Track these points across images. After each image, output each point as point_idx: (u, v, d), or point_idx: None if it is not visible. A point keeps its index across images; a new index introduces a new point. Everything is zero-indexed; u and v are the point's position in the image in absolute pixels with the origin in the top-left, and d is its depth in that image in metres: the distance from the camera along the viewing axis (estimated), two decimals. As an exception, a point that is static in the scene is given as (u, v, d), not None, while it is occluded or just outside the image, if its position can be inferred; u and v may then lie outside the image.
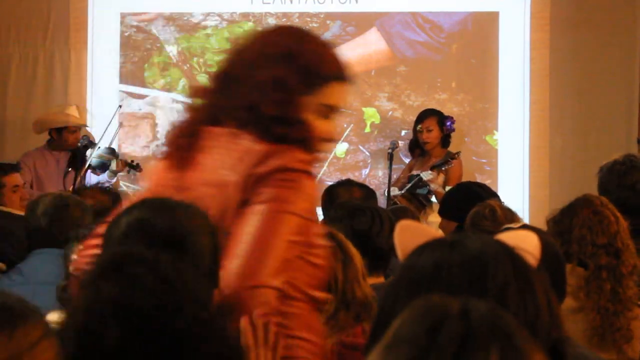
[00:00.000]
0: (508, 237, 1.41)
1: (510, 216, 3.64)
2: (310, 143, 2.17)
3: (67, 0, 7.42)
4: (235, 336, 1.61)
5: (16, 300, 1.31)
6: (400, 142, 6.90)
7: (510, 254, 1.31)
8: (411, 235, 1.46)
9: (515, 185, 7.12)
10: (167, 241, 1.71)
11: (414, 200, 6.37)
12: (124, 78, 7.58)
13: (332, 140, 2.24)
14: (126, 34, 7.58)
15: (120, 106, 7.09)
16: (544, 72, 7.16)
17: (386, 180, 6.58)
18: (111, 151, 6.68)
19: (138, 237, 1.73)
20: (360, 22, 7.34)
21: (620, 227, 3.09)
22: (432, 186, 6.25)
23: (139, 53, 7.58)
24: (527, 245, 1.43)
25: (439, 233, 1.50)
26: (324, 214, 4.37)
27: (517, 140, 7.15)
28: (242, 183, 2.05)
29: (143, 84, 7.58)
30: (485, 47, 7.27)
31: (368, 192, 4.37)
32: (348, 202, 3.79)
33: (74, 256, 2.52)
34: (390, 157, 6.53)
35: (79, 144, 6.51)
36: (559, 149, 7.11)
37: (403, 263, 1.36)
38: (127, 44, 7.58)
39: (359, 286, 2.56)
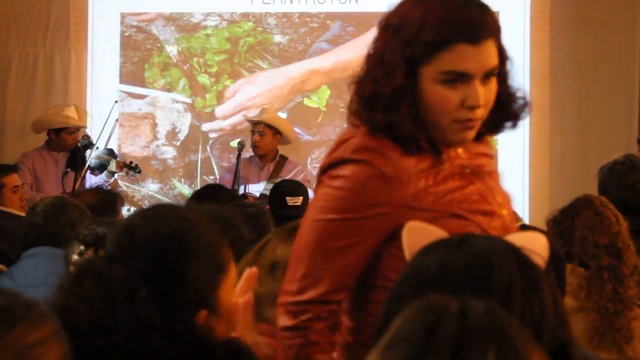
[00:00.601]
0: (517, 238, 1.41)
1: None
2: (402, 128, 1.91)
3: (67, 0, 7.42)
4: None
5: (21, 301, 1.31)
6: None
7: (517, 254, 1.31)
8: (419, 236, 1.45)
9: (515, 185, 7.12)
10: (152, 256, 1.64)
11: None
12: (124, 78, 7.58)
13: (473, 106, 1.92)
14: (126, 34, 7.58)
15: (116, 101, 7.07)
16: (544, 72, 7.16)
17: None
18: (109, 152, 6.68)
19: (122, 250, 1.67)
20: (360, 22, 7.34)
21: (621, 227, 3.09)
22: None
23: (139, 53, 7.58)
24: (536, 246, 1.43)
25: (445, 234, 1.49)
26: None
27: (517, 140, 7.15)
28: None
29: (143, 84, 7.58)
30: (485, 47, 7.27)
31: None
32: None
33: (75, 256, 2.52)
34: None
35: (79, 144, 6.51)
36: (559, 149, 7.11)
37: (409, 263, 1.35)
38: (127, 44, 7.58)
39: None
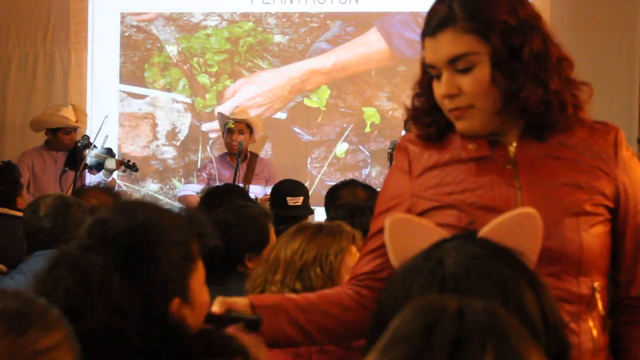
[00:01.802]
0: (506, 225, 1.40)
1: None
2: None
3: (67, 0, 7.43)
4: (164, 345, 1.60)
5: (36, 306, 1.31)
6: (400, 142, 6.90)
7: (494, 270, 1.29)
8: (404, 234, 1.43)
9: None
10: (124, 245, 1.67)
11: None
12: (124, 78, 7.59)
13: (444, 96, 1.95)
14: (126, 34, 7.58)
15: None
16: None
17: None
18: (108, 151, 6.69)
19: (94, 240, 1.71)
20: (360, 22, 7.34)
21: None
22: None
23: (139, 53, 7.59)
24: (527, 228, 1.41)
25: (433, 227, 1.45)
26: (327, 214, 4.38)
27: (517, 140, 7.15)
28: None
29: (143, 84, 7.58)
30: (485, 47, 7.27)
31: (372, 193, 4.34)
32: (349, 203, 3.79)
33: None
34: (391, 157, 6.53)
35: (79, 145, 6.51)
36: (559, 149, 7.10)
37: (401, 264, 1.34)
38: (127, 44, 7.58)
39: None
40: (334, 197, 4.35)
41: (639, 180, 2.04)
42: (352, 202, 3.94)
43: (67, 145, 6.71)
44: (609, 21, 7.17)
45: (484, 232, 1.41)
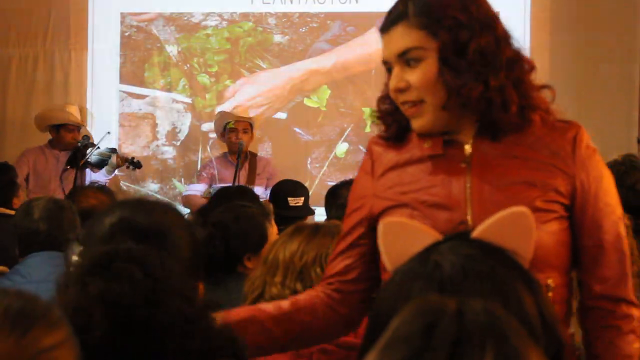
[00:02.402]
0: (499, 224, 1.40)
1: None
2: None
3: (67, 0, 7.43)
4: (221, 332, 1.62)
5: (38, 304, 1.31)
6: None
7: (491, 270, 1.29)
8: (397, 237, 1.43)
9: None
10: (148, 237, 1.74)
11: None
12: (124, 78, 7.59)
13: (393, 90, 1.99)
14: (126, 34, 7.58)
15: (109, 132, 7.04)
16: (544, 72, 7.16)
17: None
18: (111, 150, 6.70)
19: (122, 235, 1.76)
20: (360, 22, 7.34)
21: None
22: None
23: (139, 53, 7.59)
24: (519, 227, 1.41)
25: (426, 229, 1.45)
26: (327, 214, 4.38)
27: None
28: None
29: (143, 84, 7.58)
30: (485, 47, 7.27)
31: None
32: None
33: (75, 257, 2.51)
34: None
35: (79, 144, 6.52)
36: (559, 149, 7.10)
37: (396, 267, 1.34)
38: (127, 44, 7.58)
39: None
40: (334, 197, 4.36)
41: (600, 177, 2.06)
42: None
43: (70, 143, 6.71)
44: (609, 21, 7.16)
45: (477, 232, 1.41)
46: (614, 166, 3.89)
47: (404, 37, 1.95)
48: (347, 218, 2.13)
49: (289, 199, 4.95)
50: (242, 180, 6.48)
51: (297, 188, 5.09)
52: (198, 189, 6.50)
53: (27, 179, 6.64)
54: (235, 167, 6.54)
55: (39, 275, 3.39)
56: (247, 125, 6.64)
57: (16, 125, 7.31)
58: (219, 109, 7.36)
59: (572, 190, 2.00)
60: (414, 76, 1.95)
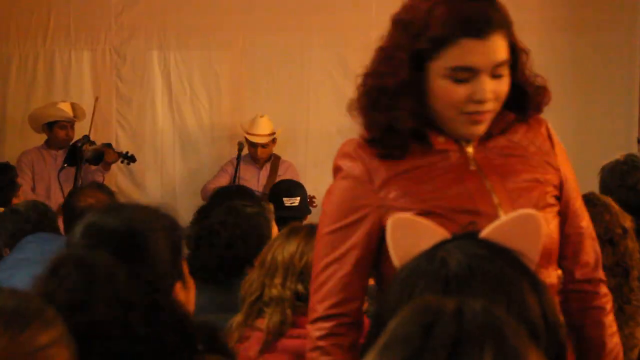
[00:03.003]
0: (508, 226, 1.40)
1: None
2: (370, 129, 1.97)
3: (68, 0, 7.42)
4: (178, 340, 1.61)
5: (33, 303, 1.32)
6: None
7: (499, 268, 1.29)
8: (406, 233, 1.43)
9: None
10: (119, 241, 1.75)
11: None
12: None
13: (481, 100, 1.92)
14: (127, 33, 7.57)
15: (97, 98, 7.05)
16: (544, 71, 7.14)
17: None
18: (106, 144, 6.69)
19: (91, 241, 1.78)
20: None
21: (628, 242, 2.96)
22: None
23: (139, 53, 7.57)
24: (528, 229, 1.42)
25: (435, 226, 1.46)
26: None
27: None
28: None
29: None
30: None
31: None
32: None
33: None
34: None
35: (78, 144, 6.51)
36: (559, 149, 7.10)
37: (399, 267, 1.34)
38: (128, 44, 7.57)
39: None
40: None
41: (570, 167, 2.12)
42: None
43: (63, 140, 6.72)
44: (609, 21, 7.16)
45: (485, 233, 1.41)
46: (615, 166, 3.88)
47: (502, 47, 1.93)
48: (343, 230, 1.97)
49: (285, 199, 4.95)
50: (263, 181, 6.52)
51: (291, 188, 5.09)
52: (218, 184, 6.50)
53: (32, 186, 6.65)
54: (236, 168, 6.56)
55: (36, 255, 3.42)
56: (266, 140, 6.71)
57: (16, 125, 7.30)
58: (219, 109, 7.38)
59: (559, 183, 2.06)
60: (501, 88, 1.94)
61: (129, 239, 1.76)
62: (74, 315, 1.43)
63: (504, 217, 1.45)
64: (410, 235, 1.43)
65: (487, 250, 1.31)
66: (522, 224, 1.44)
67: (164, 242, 1.80)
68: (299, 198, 4.96)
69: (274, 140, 6.77)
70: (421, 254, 1.31)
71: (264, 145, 6.69)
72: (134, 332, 1.53)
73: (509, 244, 1.34)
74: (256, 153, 6.70)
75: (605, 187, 3.83)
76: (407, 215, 1.50)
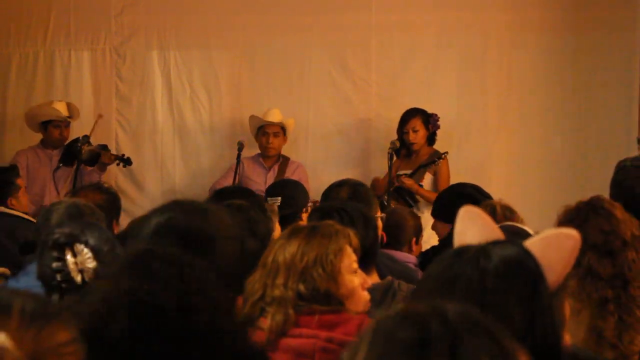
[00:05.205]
0: (543, 241, 1.51)
1: (510, 215, 3.65)
2: None
3: (67, 0, 7.42)
4: (254, 347, 1.60)
5: (50, 304, 1.33)
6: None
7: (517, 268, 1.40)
8: (468, 222, 1.61)
9: (515, 185, 7.12)
10: (193, 242, 1.72)
11: (400, 199, 6.39)
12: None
13: None
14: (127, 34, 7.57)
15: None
16: (544, 72, 7.16)
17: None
18: (102, 146, 6.69)
19: (166, 237, 1.74)
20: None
21: (630, 250, 2.89)
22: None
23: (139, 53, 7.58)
24: (560, 247, 1.51)
25: (494, 226, 1.65)
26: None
27: (517, 140, 7.15)
28: None
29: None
30: (485, 47, 7.28)
31: (355, 192, 4.19)
32: (322, 205, 3.79)
33: (55, 264, 2.45)
34: (390, 157, 6.55)
35: (78, 145, 6.51)
36: (559, 149, 7.11)
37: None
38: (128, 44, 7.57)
39: None
40: (325, 196, 4.33)
41: None
42: (326, 204, 3.85)
43: (57, 139, 6.73)
44: (609, 21, 7.17)
45: (529, 242, 1.53)
46: (632, 163, 3.85)
47: None
48: None
49: (269, 199, 4.95)
50: (270, 182, 6.52)
51: (276, 187, 5.08)
52: (223, 184, 6.51)
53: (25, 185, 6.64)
54: (235, 169, 6.57)
55: None
56: (277, 128, 6.71)
57: (16, 124, 7.31)
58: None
59: None
60: None
61: (203, 242, 1.74)
62: (171, 315, 1.43)
63: (549, 231, 1.57)
64: (472, 224, 1.63)
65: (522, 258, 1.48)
66: (560, 242, 1.54)
67: (232, 253, 1.80)
68: (279, 198, 4.95)
69: (285, 134, 6.76)
70: (460, 250, 1.47)
71: (275, 134, 6.68)
72: (229, 344, 1.51)
73: (543, 256, 1.49)
74: (268, 142, 6.69)
75: (616, 185, 3.80)
76: (478, 209, 1.68)
